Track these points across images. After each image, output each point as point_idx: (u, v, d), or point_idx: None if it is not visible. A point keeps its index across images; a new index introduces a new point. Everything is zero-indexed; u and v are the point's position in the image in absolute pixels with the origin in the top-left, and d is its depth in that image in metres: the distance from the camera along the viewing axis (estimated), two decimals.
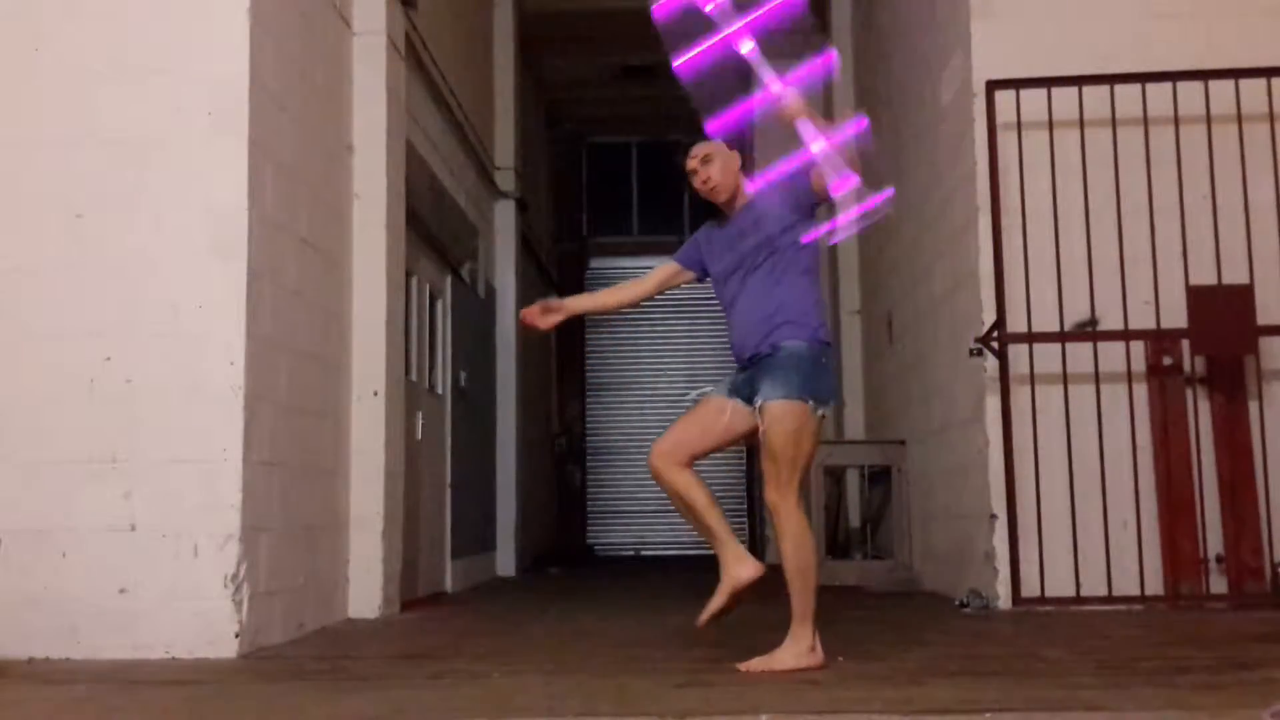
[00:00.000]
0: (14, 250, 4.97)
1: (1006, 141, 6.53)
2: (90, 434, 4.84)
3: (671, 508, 4.52)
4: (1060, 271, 6.44)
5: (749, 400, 4.27)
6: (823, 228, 4.29)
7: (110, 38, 5.06)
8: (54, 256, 4.95)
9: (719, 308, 4.52)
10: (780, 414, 4.15)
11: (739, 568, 4.21)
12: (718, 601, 4.26)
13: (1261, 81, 6.38)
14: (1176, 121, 6.38)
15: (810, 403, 4.17)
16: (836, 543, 9.78)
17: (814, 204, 4.30)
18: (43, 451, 4.84)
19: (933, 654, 4.59)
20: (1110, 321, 6.43)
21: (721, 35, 4.02)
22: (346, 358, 6.38)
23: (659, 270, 4.65)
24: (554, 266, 15.04)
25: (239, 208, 4.97)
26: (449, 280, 9.07)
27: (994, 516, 6.40)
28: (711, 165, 4.38)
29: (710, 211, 4.57)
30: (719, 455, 4.98)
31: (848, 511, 10.32)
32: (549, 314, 4.59)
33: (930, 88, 7.94)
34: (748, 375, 4.31)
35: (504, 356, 11.08)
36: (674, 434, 4.37)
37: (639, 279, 4.69)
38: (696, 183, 4.42)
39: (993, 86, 6.53)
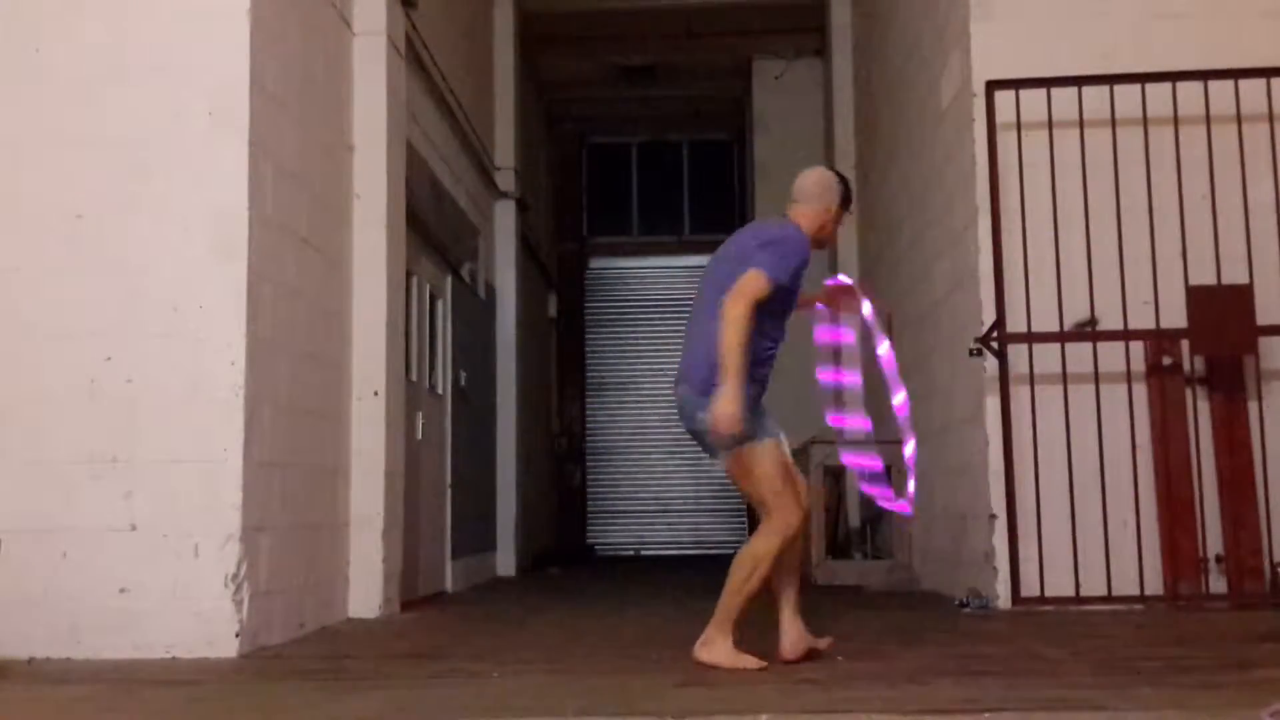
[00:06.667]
0: (14, 250, 4.97)
1: (1006, 142, 6.53)
2: (90, 434, 4.84)
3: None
4: (1060, 271, 6.43)
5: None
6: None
7: (110, 38, 5.07)
8: (54, 256, 4.95)
9: None
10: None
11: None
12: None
13: (1261, 81, 6.38)
14: (1176, 121, 6.38)
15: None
16: (836, 543, 9.78)
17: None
18: (43, 451, 4.84)
19: (933, 654, 4.58)
20: (1110, 321, 6.42)
21: None
22: (346, 358, 6.38)
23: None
24: (554, 266, 15.04)
25: (239, 208, 4.97)
26: (449, 280, 9.07)
27: (994, 516, 6.40)
28: None
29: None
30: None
31: (848, 511, 10.31)
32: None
33: (930, 88, 7.93)
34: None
35: (504, 356, 11.08)
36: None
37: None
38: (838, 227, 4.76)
39: (993, 86, 6.53)
